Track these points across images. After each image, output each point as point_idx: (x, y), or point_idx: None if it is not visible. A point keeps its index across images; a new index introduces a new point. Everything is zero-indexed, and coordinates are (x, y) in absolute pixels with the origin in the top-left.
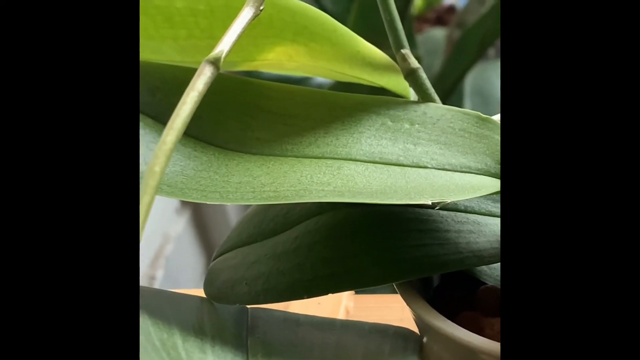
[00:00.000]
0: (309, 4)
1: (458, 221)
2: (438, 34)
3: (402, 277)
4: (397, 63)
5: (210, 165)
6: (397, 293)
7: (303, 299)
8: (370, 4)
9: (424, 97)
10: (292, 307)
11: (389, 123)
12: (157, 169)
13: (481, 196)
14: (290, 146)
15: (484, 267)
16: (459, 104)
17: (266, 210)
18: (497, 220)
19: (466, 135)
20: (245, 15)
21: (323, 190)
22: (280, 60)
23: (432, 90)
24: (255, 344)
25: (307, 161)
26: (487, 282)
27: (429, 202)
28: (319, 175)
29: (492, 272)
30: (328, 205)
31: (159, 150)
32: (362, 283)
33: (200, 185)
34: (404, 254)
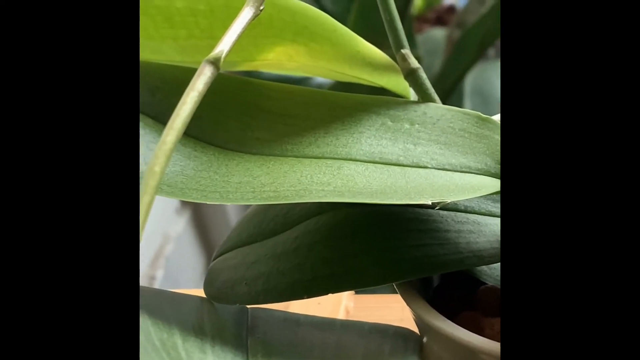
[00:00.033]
0: (309, 4)
1: (458, 221)
2: (438, 34)
3: (402, 277)
4: (397, 63)
5: (210, 165)
6: (397, 293)
7: (303, 299)
8: (370, 4)
9: (424, 97)
10: (292, 307)
11: (389, 123)
12: (157, 169)
13: (481, 196)
14: (290, 146)
15: (484, 267)
16: (459, 104)
17: (266, 210)
18: (497, 220)
19: (466, 135)
20: (245, 15)
21: (323, 190)
22: (280, 60)
23: (432, 90)
24: (255, 344)
25: (307, 161)
26: (487, 282)
27: (429, 202)
28: (319, 175)
29: (492, 272)
30: (328, 205)
31: (159, 150)
32: (362, 283)
33: (200, 185)
34: (404, 254)
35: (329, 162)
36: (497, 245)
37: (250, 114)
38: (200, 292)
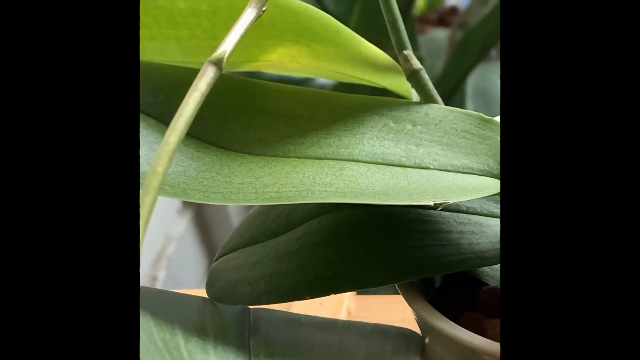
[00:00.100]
0: (311, 5)
1: (460, 222)
2: (440, 35)
3: (404, 278)
4: (400, 64)
5: (213, 166)
6: (399, 294)
7: (305, 299)
8: (372, 5)
9: (426, 98)
10: (294, 308)
11: (392, 124)
12: (160, 169)
13: (483, 197)
14: (293, 147)
15: (486, 268)
16: (461, 105)
17: (268, 210)
18: (499, 222)
19: (468, 136)
20: (248, 16)
21: (325, 191)
22: (283, 61)
23: (434, 91)
24: (258, 344)
25: (309, 162)
26: (489, 283)
27: (431, 203)
28: (321, 176)
29: (494, 273)
30: (330, 206)
31: (161, 151)
32: (364, 284)
33: (203, 185)
34: (405, 255)
35: (332, 163)
36: (499, 246)
37: (253, 115)
38: (203, 293)
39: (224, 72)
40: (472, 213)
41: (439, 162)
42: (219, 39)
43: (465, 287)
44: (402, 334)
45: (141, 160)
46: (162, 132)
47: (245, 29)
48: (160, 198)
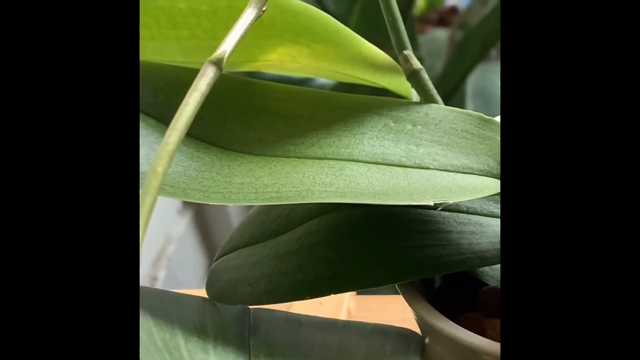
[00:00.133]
0: (311, 5)
1: (460, 222)
2: (440, 35)
3: (404, 278)
4: (400, 64)
5: (213, 166)
6: (399, 294)
7: (305, 299)
8: (372, 5)
9: (426, 98)
10: (294, 308)
11: (392, 124)
12: (160, 169)
13: (483, 197)
14: (293, 147)
15: (486, 268)
16: (461, 105)
17: (268, 211)
18: (499, 222)
19: (468, 136)
20: (248, 16)
21: (325, 191)
22: (283, 61)
23: (434, 91)
24: (258, 344)
25: (309, 162)
26: (489, 283)
27: (431, 203)
28: (321, 176)
29: (494, 273)
30: (330, 206)
31: (161, 151)
32: (364, 284)
33: (203, 185)
34: (405, 255)
35: (332, 163)
36: (499, 246)
37: (253, 115)
38: (203, 293)
39: (224, 72)
40: (472, 213)
41: (439, 162)
42: (219, 39)
43: (465, 287)
44: (402, 334)
45: (141, 160)
46: (162, 132)
47: (245, 29)
48: (160, 198)
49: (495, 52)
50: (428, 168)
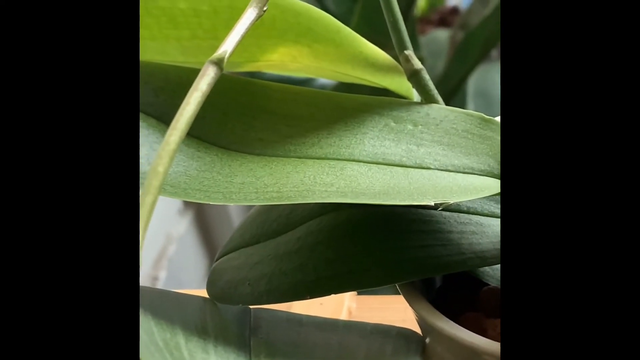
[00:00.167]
0: (312, 5)
1: (461, 222)
2: (441, 36)
3: (404, 278)
4: (400, 64)
5: (214, 165)
6: (399, 294)
7: (306, 299)
8: (373, 5)
9: (427, 98)
10: (295, 308)
11: (392, 124)
12: (161, 169)
13: (484, 197)
14: (294, 147)
15: (486, 268)
16: (462, 105)
17: (269, 210)
18: (500, 221)
19: (469, 136)
20: (249, 16)
21: (326, 191)
22: (284, 61)
23: (435, 92)
24: (258, 344)
25: (310, 162)
26: (489, 283)
27: (432, 203)
28: (322, 176)
29: (495, 273)
30: (331, 206)
31: (162, 151)
32: (364, 284)
33: (204, 185)
34: (406, 255)
35: (332, 162)
36: (500, 246)
37: (253, 115)
38: (203, 293)
39: (224, 72)
40: (473, 213)
41: (440, 162)
42: (219, 39)
43: (465, 287)
44: (402, 334)
45: (142, 160)
46: (163, 132)
47: (246, 29)
48: (161, 198)
49: (496, 53)
50: (429, 168)
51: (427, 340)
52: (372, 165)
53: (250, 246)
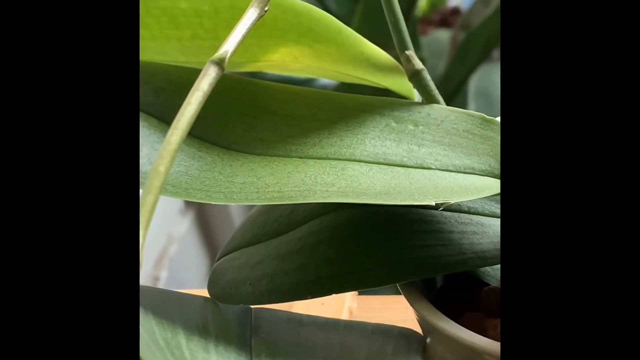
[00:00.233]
0: (313, 5)
1: (461, 222)
2: (442, 36)
3: (405, 278)
4: (401, 64)
5: (215, 165)
6: (400, 294)
7: (307, 299)
8: (374, 6)
9: (428, 99)
10: (295, 308)
11: (393, 124)
12: (162, 169)
13: (485, 197)
14: (295, 147)
15: (487, 268)
16: (463, 105)
17: (270, 210)
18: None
19: (470, 136)
20: (250, 16)
21: (327, 190)
22: (285, 61)
23: (436, 92)
24: (259, 343)
25: (311, 162)
26: (490, 283)
27: (433, 203)
28: (323, 176)
29: (496, 273)
30: (332, 206)
31: (163, 150)
32: (365, 283)
33: (205, 185)
34: (407, 255)
35: (333, 162)
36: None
37: (255, 115)
38: (204, 293)
39: (225, 72)
40: (474, 213)
41: (441, 162)
42: (221, 39)
43: (466, 287)
44: (403, 334)
45: (143, 160)
46: (164, 132)
47: (247, 29)
48: (163, 198)
49: (497, 53)
50: (430, 168)
51: (428, 340)
52: (373, 165)
53: (251, 246)
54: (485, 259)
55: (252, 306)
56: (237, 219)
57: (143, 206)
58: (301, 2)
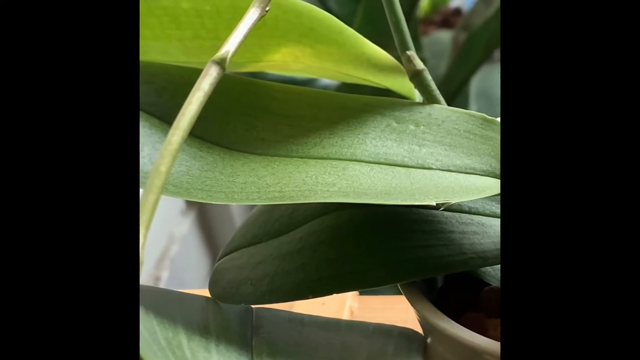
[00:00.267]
0: (315, 5)
1: (462, 222)
2: (444, 37)
3: (406, 278)
4: (403, 65)
5: (216, 165)
6: (401, 294)
7: (308, 299)
8: (375, 6)
9: (429, 99)
10: (296, 308)
11: (394, 124)
12: (163, 168)
13: (485, 197)
14: (296, 147)
15: (488, 268)
16: (464, 106)
17: (271, 210)
18: None
19: (471, 136)
20: (251, 16)
21: (328, 190)
22: (286, 61)
23: (437, 92)
24: (260, 343)
25: (312, 162)
26: (491, 283)
27: (434, 203)
28: (324, 176)
29: (496, 273)
30: (333, 206)
31: (164, 150)
32: (366, 283)
33: (206, 185)
34: (408, 255)
35: (334, 162)
36: None
37: (256, 115)
38: (205, 292)
39: (227, 72)
40: (475, 213)
41: (442, 162)
42: (222, 39)
43: (467, 287)
44: (404, 334)
45: (144, 160)
46: (166, 132)
47: (249, 29)
48: (164, 199)
49: (498, 54)
50: (430, 168)
51: (429, 340)
52: (374, 165)
53: (252, 246)
54: (486, 259)
55: (253, 306)
56: (238, 219)
57: (144, 206)
58: (302, 2)
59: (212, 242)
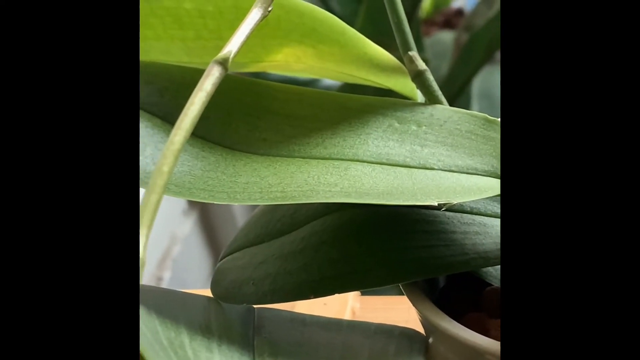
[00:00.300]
0: (317, 6)
1: (464, 222)
2: (446, 37)
3: (408, 278)
4: (405, 65)
5: (218, 165)
6: (403, 294)
7: (310, 299)
8: (378, 7)
9: (431, 99)
10: (298, 308)
11: (396, 125)
12: (165, 168)
13: (487, 198)
14: (298, 147)
15: (489, 268)
16: (466, 106)
17: (273, 210)
18: None
19: (473, 137)
20: (254, 16)
21: (330, 191)
22: (288, 61)
23: (439, 92)
24: (262, 343)
25: (314, 162)
26: (492, 283)
27: (435, 204)
28: (326, 176)
29: (498, 273)
30: (335, 206)
31: (167, 150)
32: (368, 283)
33: (208, 185)
34: (409, 255)
35: (336, 163)
36: None
37: (258, 115)
38: (208, 293)
39: (229, 72)
40: (476, 213)
41: (443, 162)
42: (224, 40)
43: (469, 287)
44: (405, 334)
45: (147, 160)
46: (168, 132)
47: (251, 30)
48: (166, 199)
49: (500, 55)
50: (432, 168)
51: (430, 340)
52: (375, 165)
53: (254, 246)
54: (488, 260)
55: (255, 306)
56: (240, 219)
57: (146, 206)
58: (304, 2)
59: (214, 242)
